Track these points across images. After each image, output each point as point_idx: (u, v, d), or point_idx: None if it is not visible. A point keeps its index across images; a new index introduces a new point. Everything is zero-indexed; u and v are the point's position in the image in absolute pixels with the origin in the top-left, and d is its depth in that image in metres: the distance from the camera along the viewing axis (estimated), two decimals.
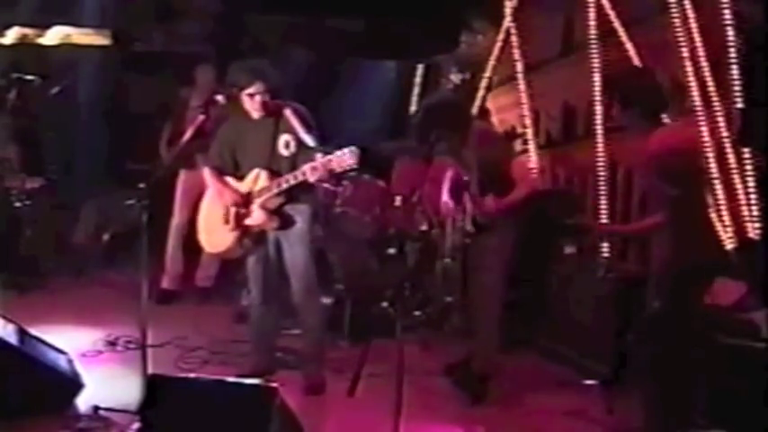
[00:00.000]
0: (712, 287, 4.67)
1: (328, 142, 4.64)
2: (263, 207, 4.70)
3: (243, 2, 8.19)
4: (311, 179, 4.51)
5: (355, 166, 4.44)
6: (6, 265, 6.57)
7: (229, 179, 4.83)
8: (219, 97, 6.11)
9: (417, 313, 5.78)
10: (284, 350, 5.20)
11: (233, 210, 4.76)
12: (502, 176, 4.64)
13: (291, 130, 4.66)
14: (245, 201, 4.74)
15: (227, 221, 4.78)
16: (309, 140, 4.58)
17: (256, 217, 4.71)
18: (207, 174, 4.91)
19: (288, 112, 4.70)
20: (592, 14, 6.18)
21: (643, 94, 4.32)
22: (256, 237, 4.79)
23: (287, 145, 4.69)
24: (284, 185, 4.62)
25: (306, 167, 4.50)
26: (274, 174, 4.68)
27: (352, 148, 4.37)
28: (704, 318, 4.32)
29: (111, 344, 5.40)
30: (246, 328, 5.27)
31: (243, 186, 4.77)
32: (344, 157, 4.35)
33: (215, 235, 4.89)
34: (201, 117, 5.32)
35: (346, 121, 7.38)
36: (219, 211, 4.82)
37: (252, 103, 4.71)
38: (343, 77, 8.35)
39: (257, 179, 4.72)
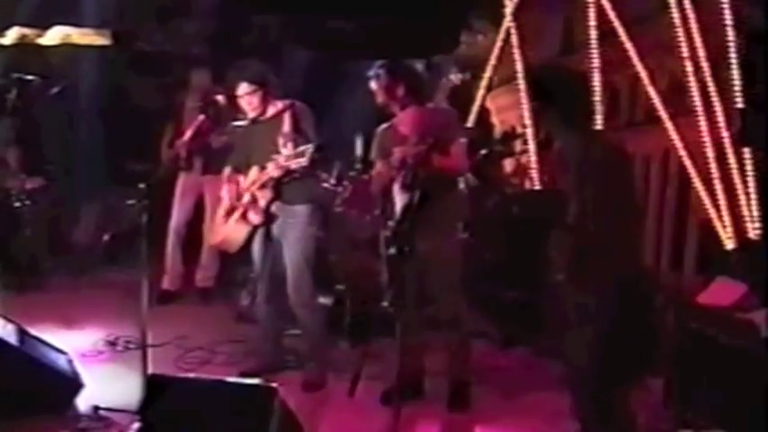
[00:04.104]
0: (712, 287, 4.69)
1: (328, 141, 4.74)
2: (249, 203, 4.85)
3: (243, 2, 8.18)
4: (274, 175, 4.70)
5: (304, 164, 4.61)
6: (6, 265, 6.57)
7: (241, 177, 4.97)
8: (219, 97, 6.15)
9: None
10: (285, 350, 5.20)
11: (227, 204, 4.96)
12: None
13: (287, 130, 4.75)
14: (238, 196, 4.91)
15: (225, 215, 4.98)
16: (289, 141, 4.69)
17: (240, 212, 4.89)
18: (225, 173, 5.08)
19: (285, 111, 4.82)
20: (592, 14, 6.19)
21: (566, 92, 3.71)
22: (249, 232, 4.91)
23: (284, 145, 4.74)
24: (257, 183, 4.79)
25: (270, 166, 4.68)
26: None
27: (309, 147, 4.56)
28: (703, 317, 4.33)
29: (111, 344, 5.41)
30: (249, 326, 5.28)
31: (244, 183, 4.92)
32: (298, 157, 4.57)
33: (214, 228, 5.11)
34: (201, 117, 5.34)
35: (345, 121, 7.38)
36: (222, 207, 5.03)
37: (243, 103, 4.86)
38: (342, 77, 8.34)
39: (251, 176, 4.87)
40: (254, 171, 4.86)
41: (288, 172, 4.70)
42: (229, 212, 4.96)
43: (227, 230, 4.98)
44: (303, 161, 4.59)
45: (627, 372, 3.55)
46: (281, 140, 4.74)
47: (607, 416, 3.62)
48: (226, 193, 5.00)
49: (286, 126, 4.77)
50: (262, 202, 4.81)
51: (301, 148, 4.61)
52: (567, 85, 3.75)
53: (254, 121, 4.93)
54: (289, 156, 4.62)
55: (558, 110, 3.72)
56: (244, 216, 4.89)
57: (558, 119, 3.75)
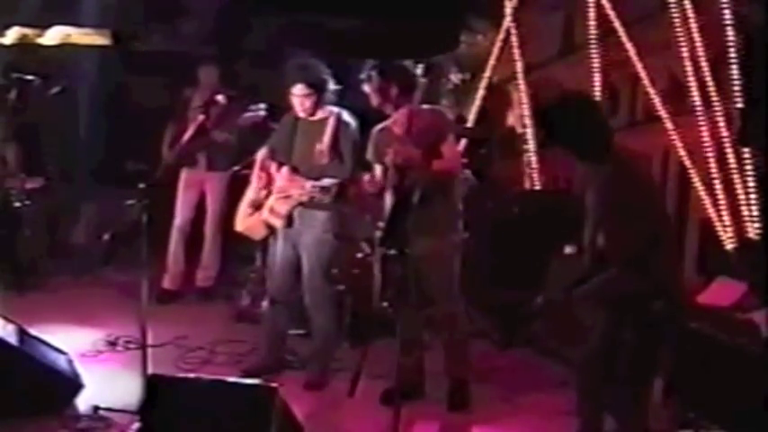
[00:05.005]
0: (712, 287, 4.69)
1: None
2: (271, 206, 4.83)
3: (243, 2, 8.18)
4: (298, 198, 4.71)
5: (326, 200, 4.65)
6: (6, 266, 6.57)
7: (274, 168, 4.93)
8: (220, 97, 6.15)
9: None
10: (286, 350, 5.20)
11: (254, 198, 4.96)
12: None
13: (325, 147, 4.74)
14: (267, 194, 4.89)
15: (252, 207, 4.99)
16: (326, 156, 4.70)
17: (263, 212, 4.88)
18: (258, 155, 5.04)
19: (330, 121, 4.78)
20: (592, 14, 6.19)
21: (574, 131, 3.64)
22: (270, 228, 4.93)
23: (320, 153, 4.74)
24: (281, 194, 4.78)
25: (294, 189, 4.70)
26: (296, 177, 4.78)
27: (333, 182, 4.58)
28: (703, 317, 4.33)
29: (111, 344, 5.41)
30: (249, 326, 5.28)
31: (275, 180, 4.90)
32: (323, 193, 4.59)
33: (242, 214, 5.06)
34: (201, 117, 5.34)
35: None
36: (251, 194, 5.02)
37: (295, 102, 4.80)
38: (342, 78, 8.33)
39: (281, 177, 4.84)
40: (284, 171, 4.82)
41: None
42: (256, 206, 4.94)
43: (250, 222, 4.99)
44: (326, 198, 4.62)
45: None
46: (317, 151, 4.74)
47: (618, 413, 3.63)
48: (256, 179, 4.98)
49: (325, 141, 4.74)
50: (284, 209, 4.81)
51: (327, 182, 4.60)
52: (577, 122, 3.64)
53: (271, 115, 4.94)
54: (314, 186, 4.61)
55: (570, 148, 3.71)
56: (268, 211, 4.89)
57: (571, 153, 3.75)
